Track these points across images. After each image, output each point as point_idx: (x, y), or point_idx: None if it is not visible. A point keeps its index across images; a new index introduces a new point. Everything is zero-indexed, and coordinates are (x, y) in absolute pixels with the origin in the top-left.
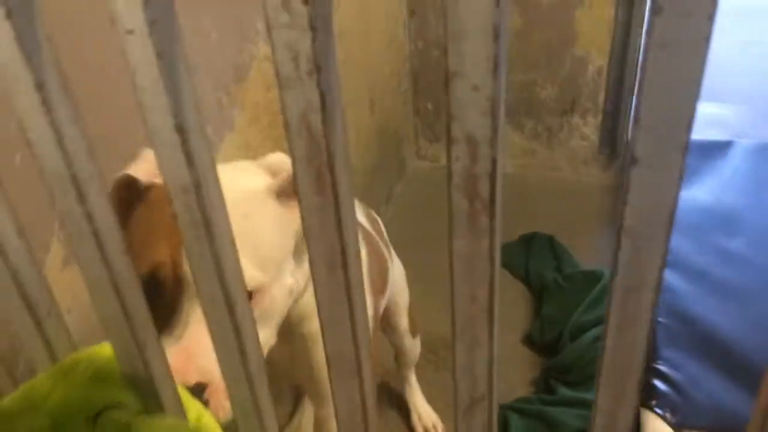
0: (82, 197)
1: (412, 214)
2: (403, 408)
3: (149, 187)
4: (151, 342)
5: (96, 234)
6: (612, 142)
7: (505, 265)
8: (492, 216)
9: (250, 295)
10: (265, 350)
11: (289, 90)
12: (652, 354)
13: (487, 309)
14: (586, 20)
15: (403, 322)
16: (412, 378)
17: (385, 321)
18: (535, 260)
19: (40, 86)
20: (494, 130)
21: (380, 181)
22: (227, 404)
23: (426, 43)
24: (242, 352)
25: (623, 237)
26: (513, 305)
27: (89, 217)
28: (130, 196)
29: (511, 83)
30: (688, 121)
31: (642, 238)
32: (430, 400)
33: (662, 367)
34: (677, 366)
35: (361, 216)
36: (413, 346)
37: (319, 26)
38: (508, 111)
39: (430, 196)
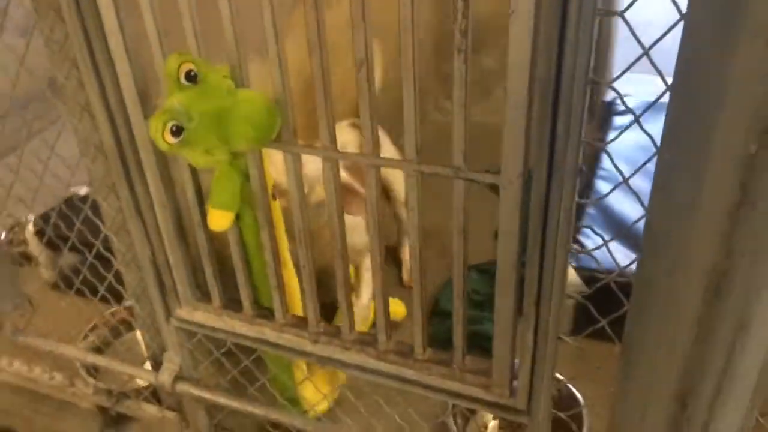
0: None
1: (424, 152)
2: (396, 264)
3: None
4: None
5: None
6: None
7: None
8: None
9: None
10: None
11: None
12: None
13: None
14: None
15: (400, 191)
16: (406, 242)
17: (385, 190)
18: None
19: None
20: None
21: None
22: None
23: (446, 18)
24: None
25: None
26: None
27: None
28: None
29: None
30: None
31: None
32: None
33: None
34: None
35: None
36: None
37: None
38: None
39: (441, 141)
